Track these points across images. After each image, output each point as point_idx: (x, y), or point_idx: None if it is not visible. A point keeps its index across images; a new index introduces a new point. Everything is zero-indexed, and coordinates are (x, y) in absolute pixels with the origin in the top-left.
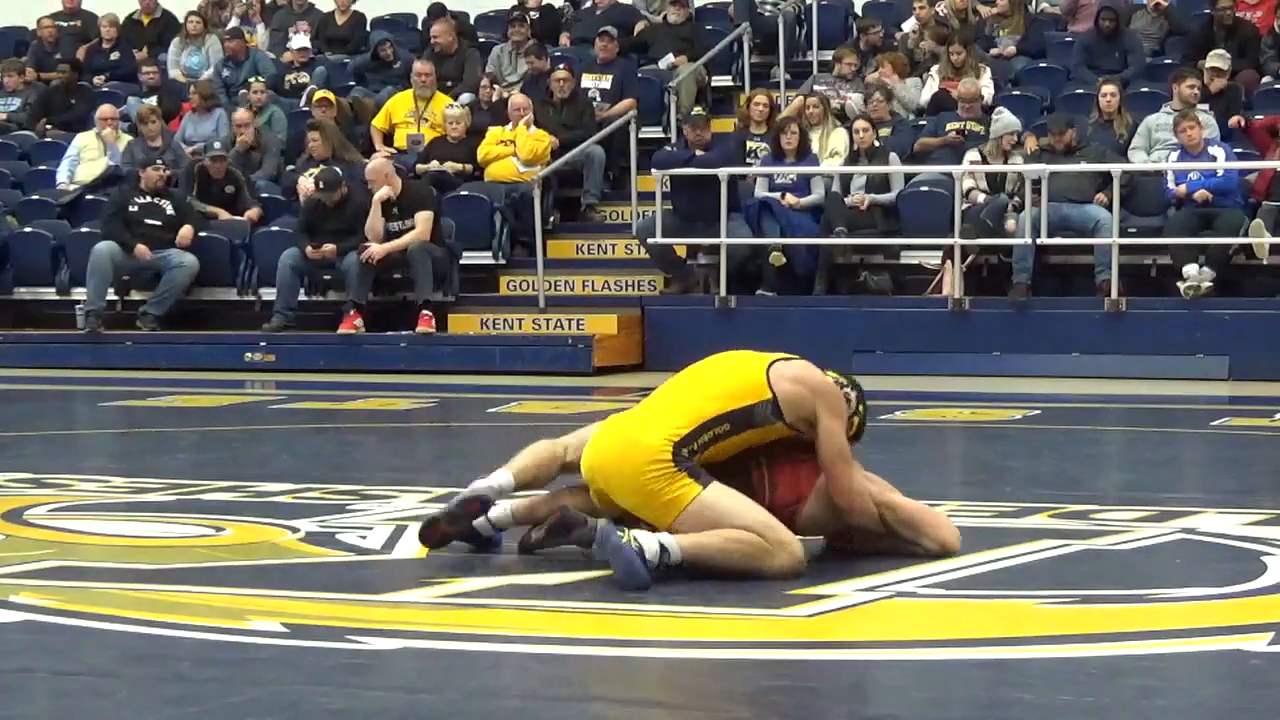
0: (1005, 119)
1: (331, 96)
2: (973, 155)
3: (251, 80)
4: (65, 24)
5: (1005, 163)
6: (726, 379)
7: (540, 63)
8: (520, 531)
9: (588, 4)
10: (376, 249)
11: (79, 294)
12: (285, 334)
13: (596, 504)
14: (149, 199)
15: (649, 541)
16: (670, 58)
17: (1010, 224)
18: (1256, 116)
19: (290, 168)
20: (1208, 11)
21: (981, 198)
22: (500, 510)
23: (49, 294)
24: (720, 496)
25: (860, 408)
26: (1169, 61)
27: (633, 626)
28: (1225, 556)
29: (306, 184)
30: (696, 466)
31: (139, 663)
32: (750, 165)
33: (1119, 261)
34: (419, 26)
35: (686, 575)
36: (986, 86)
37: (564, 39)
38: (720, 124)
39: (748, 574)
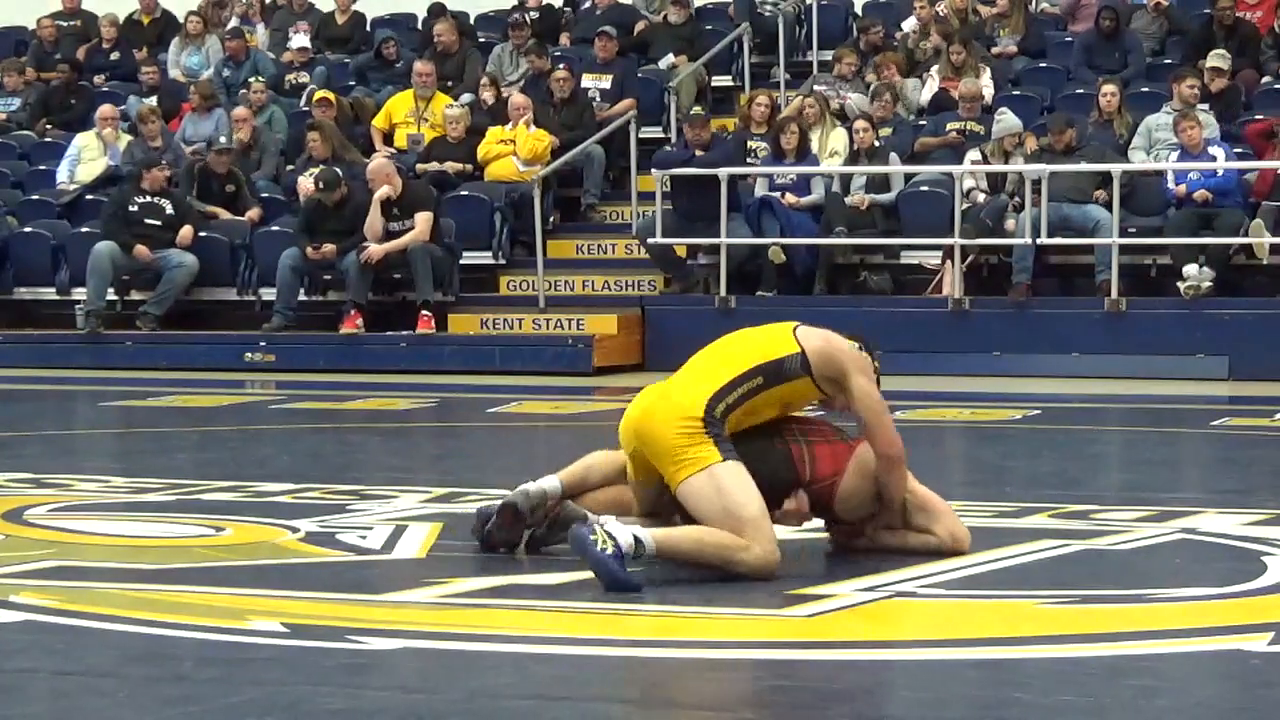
0: (1008, 120)
1: (332, 96)
2: (974, 155)
3: (251, 80)
4: (65, 24)
5: (1006, 163)
6: (755, 339)
7: (541, 62)
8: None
9: (587, 4)
10: (376, 249)
11: (79, 294)
12: (285, 334)
13: (631, 478)
14: (149, 199)
15: (623, 535)
16: (670, 57)
17: (1010, 224)
18: (1256, 116)
19: (290, 168)
20: (1208, 11)
21: (981, 198)
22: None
23: (49, 294)
24: (731, 475)
25: (878, 373)
26: (1169, 61)
27: (633, 626)
28: (1225, 556)
29: (306, 184)
30: (725, 437)
31: (139, 663)
32: (750, 165)
33: (1119, 261)
34: (419, 26)
35: (688, 576)
36: (987, 86)
37: (564, 39)
38: (720, 124)
39: (720, 569)
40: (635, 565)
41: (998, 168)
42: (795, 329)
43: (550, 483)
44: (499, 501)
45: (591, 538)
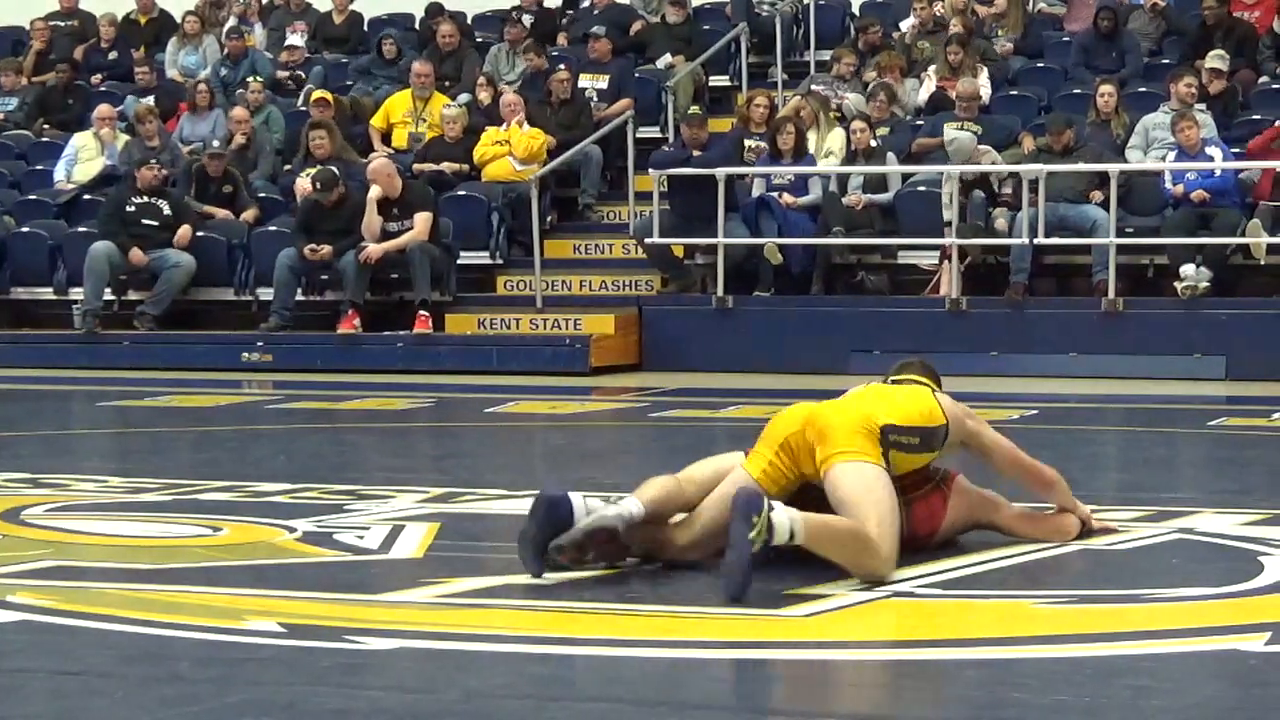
0: (960, 143)
1: (330, 96)
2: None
3: (249, 80)
4: (63, 24)
5: (983, 174)
6: (912, 400)
7: (539, 61)
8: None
9: (586, 3)
10: (374, 249)
11: (76, 294)
12: (282, 334)
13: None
14: (146, 199)
15: (782, 527)
16: (668, 57)
17: (1000, 222)
18: (1253, 117)
19: (287, 168)
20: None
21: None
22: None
23: (46, 294)
24: (884, 480)
25: None
26: (1166, 61)
27: (630, 626)
28: (1222, 556)
29: (304, 184)
30: (886, 455)
31: (136, 663)
32: (747, 165)
33: (1116, 261)
34: (416, 26)
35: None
36: (984, 86)
37: (561, 38)
38: (718, 124)
39: (846, 561)
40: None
41: (989, 167)
42: (935, 394)
43: (635, 507)
44: (586, 516)
45: (755, 519)
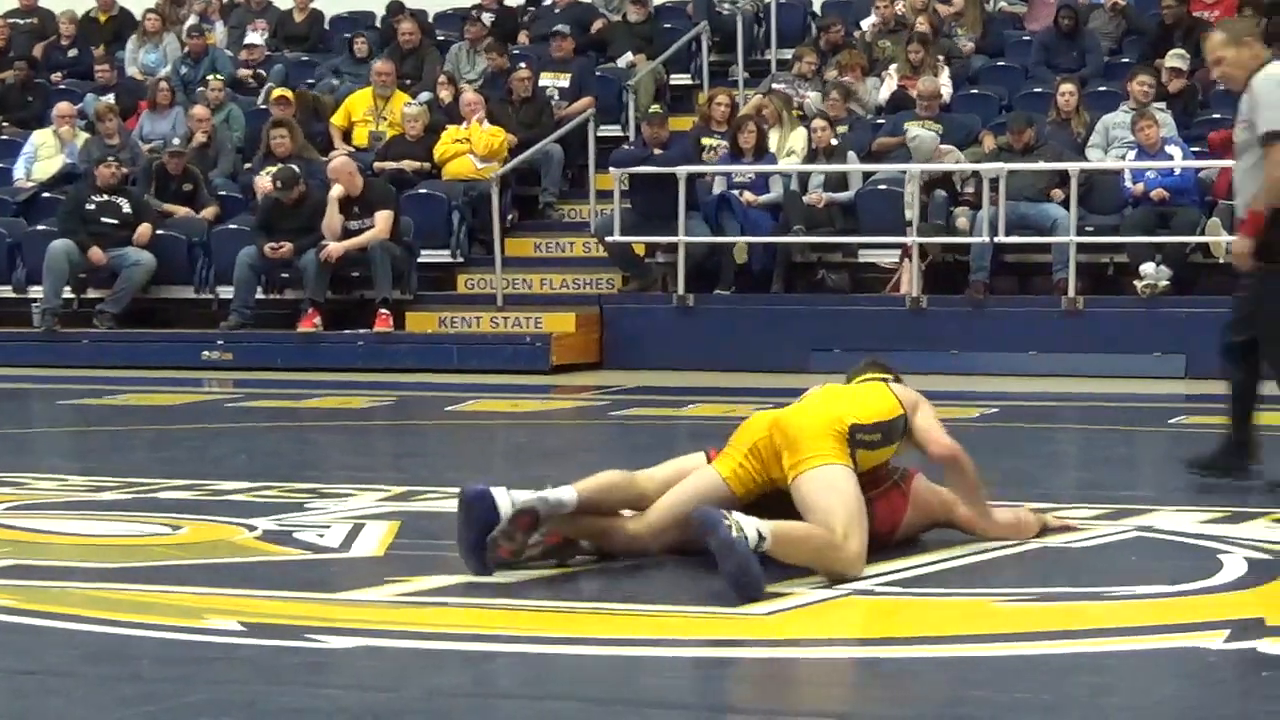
0: (921, 140)
1: (290, 94)
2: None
3: (210, 78)
4: (22, 21)
5: (944, 173)
6: (871, 396)
7: (501, 60)
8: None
9: (547, 2)
10: (335, 247)
11: (35, 292)
12: (243, 332)
13: (671, 505)
14: (106, 197)
15: (750, 528)
16: (629, 56)
17: (961, 221)
18: (1213, 116)
19: (247, 166)
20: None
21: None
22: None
23: (5, 292)
24: (852, 480)
25: None
26: (1127, 61)
27: (591, 625)
28: (1181, 554)
29: (264, 182)
30: (853, 456)
31: (96, 662)
32: (706, 163)
33: (1076, 260)
34: (377, 24)
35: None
36: (945, 85)
37: (523, 37)
38: (679, 122)
39: (815, 562)
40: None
41: (949, 166)
42: (890, 385)
43: (568, 494)
44: (510, 506)
45: (725, 523)
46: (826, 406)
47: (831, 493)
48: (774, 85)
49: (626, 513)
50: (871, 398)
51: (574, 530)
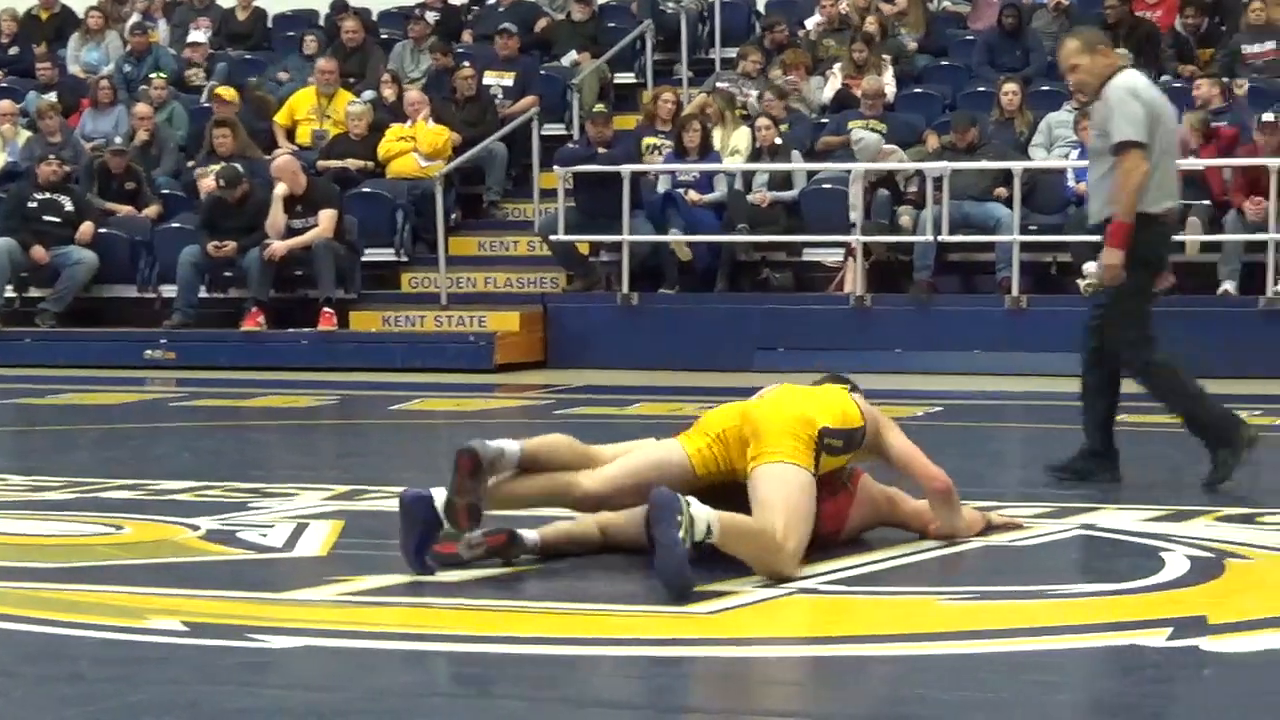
0: (867, 142)
1: (231, 93)
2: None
3: (152, 76)
4: None
5: (888, 172)
6: (835, 402)
7: (445, 59)
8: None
9: (491, 0)
10: (278, 246)
11: None
12: (186, 331)
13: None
14: (48, 195)
15: (701, 524)
16: (573, 55)
17: (905, 220)
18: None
19: (190, 164)
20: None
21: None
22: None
23: None
24: (799, 483)
25: None
26: None
27: (535, 624)
28: (1124, 552)
29: (208, 181)
30: (816, 459)
31: (36, 662)
32: (649, 162)
33: (1020, 259)
34: (321, 23)
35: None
36: (889, 84)
37: (466, 36)
38: (623, 121)
39: (754, 559)
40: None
41: (893, 165)
42: (851, 394)
43: (510, 446)
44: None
45: (678, 518)
46: (798, 406)
47: (782, 490)
48: (718, 84)
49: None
50: (837, 403)
51: (524, 491)
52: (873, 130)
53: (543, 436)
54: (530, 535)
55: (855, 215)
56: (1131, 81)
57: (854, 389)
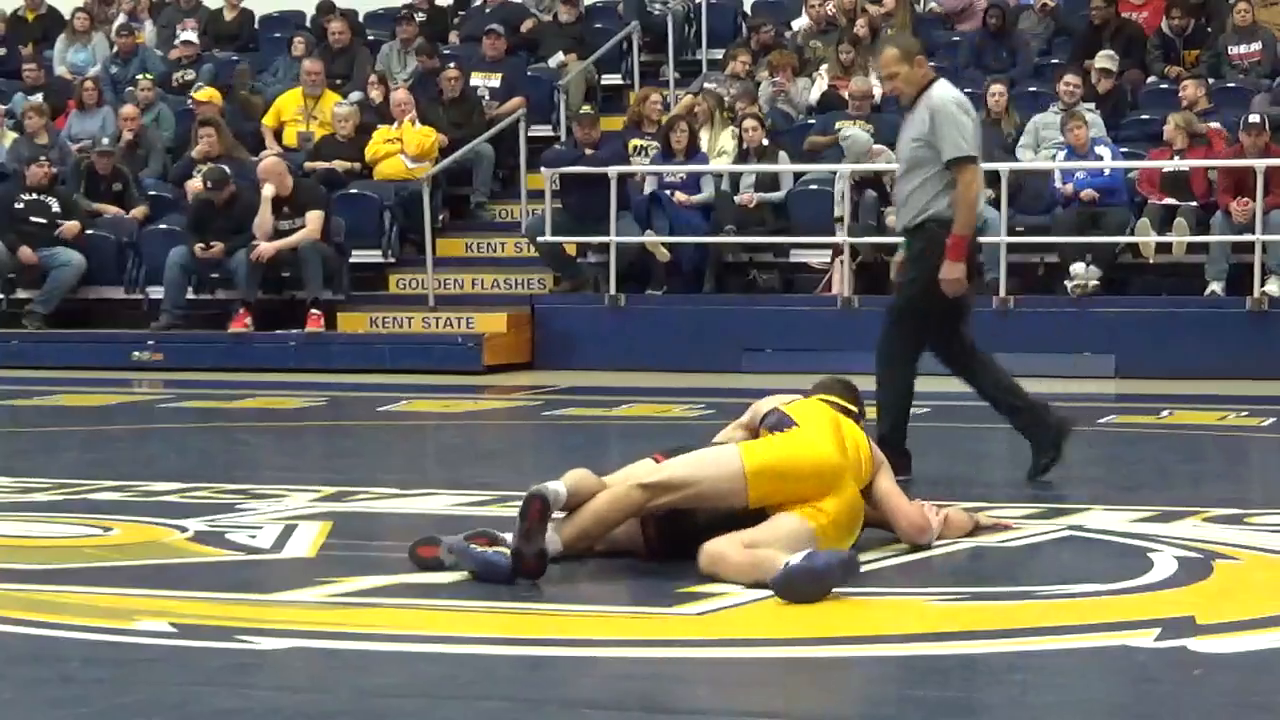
0: (855, 139)
1: (215, 95)
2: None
3: (139, 77)
4: None
5: (876, 173)
6: (861, 464)
7: (431, 61)
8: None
9: (478, 2)
10: (266, 247)
11: None
12: (173, 333)
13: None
14: (35, 196)
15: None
16: (560, 56)
17: (891, 220)
18: (1141, 116)
19: (177, 165)
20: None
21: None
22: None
23: None
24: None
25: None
26: (1056, 61)
27: (523, 626)
28: (1112, 553)
29: (195, 182)
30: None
31: (25, 664)
32: (636, 164)
33: (1007, 260)
34: (307, 24)
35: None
36: (876, 85)
37: (453, 37)
38: (610, 122)
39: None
40: None
41: (880, 166)
42: (872, 445)
43: (556, 485)
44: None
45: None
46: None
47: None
48: (705, 85)
49: None
50: (861, 463)
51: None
52: (861, 129)
53: (568, 474)
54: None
55: (841, 210)
56: (954, 94)
57: (858, 414)
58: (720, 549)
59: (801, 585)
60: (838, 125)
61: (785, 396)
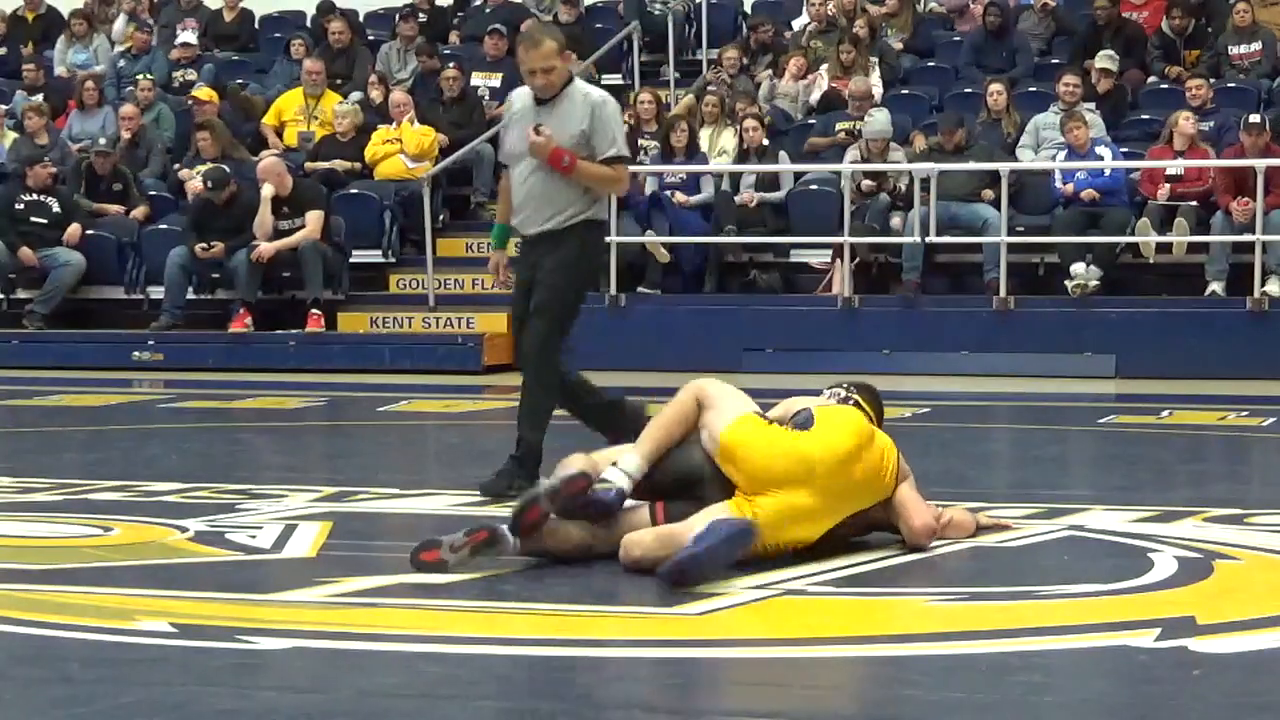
0: (876, 122)
1: (213, 95)
2: (852, 154)
3: (139, 77)
4: None
5: (884, 161)
6: (881, 476)
7: (431, 61)
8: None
9: (478, 2)
10: (266, 247)
11: None
12: (173, 333)
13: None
14: (35, 196)
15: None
16: None
17: (896, 221)
18: (1142, 116)
19: (177, 166)
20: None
21: (866, 183)
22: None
23: None
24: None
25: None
26: (1056, 61)
27: (524, 626)
28: (1112, 553)
29: (195, 183)
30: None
31: (25, 664)
32: (637, 164)
33: (1007, 260)
34: (308, 24)
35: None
36: (876, 85)
37: (453, 37)
38: None
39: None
40: None
41: (881, 166)
42: (899, 463)
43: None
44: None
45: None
46: (806, 524)
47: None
48: (709, 85)
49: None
50: (883, 474)
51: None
52: (861, 129)
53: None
54: (511, 536)
55: (848, 209)
56: (602, 92)
57: (878, 416)
58: (638, 535)
59: (693, 571)
60: (838, 128)
61: (821, 399)
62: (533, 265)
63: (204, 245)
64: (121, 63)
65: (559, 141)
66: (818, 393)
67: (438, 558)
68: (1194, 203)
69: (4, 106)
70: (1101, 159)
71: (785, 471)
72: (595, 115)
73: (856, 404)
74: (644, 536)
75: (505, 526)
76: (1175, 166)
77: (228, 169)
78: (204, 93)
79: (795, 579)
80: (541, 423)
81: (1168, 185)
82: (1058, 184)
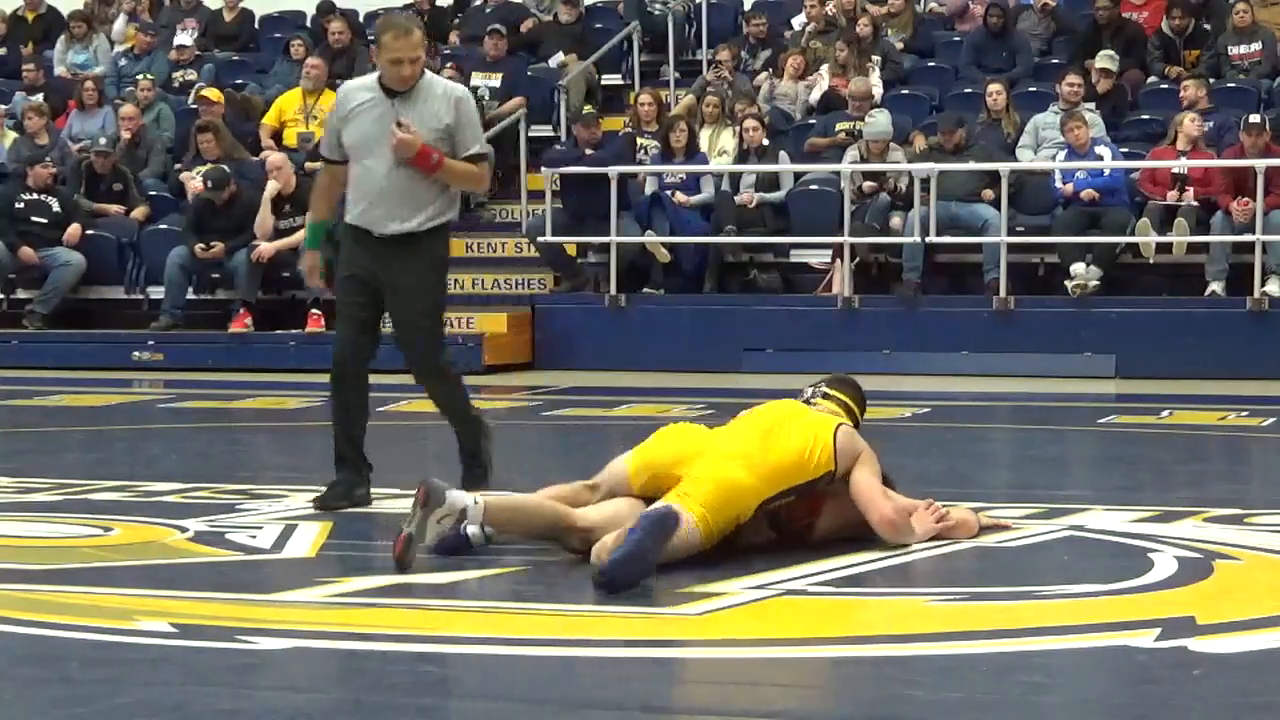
0: (877, 124)
1: (217, 94)
2: (852, 154)
3: (139, 77)
4: None
5: (884, 161)
6: (802, 445)
7: (431, 60)
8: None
9: (477, 2)
10: (266, 247)
11: None
12: (173, 333)
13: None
14: (35, 196)
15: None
16: (560, 56)
17: (895, 221)
18: (1142, 116)
19: (177, 166)
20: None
21: (866, 183)
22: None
23: None
24: (680, 536)
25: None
26: (1056, 61)
27: (523, 626)
28: (1112, 553)
29: (195, 183)
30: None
31: (26, 664)
32: (640, 164)
33: (1007, 260)
34: (307, 24)
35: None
36: (876, 85)
37: (453, 37)
38: (610, 123)
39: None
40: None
41: (881, 166)
42: (836, 436)
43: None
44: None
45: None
46: (746, 469)
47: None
48: (709, 85)
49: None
50: (804, 451)
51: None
52: (862, 130)
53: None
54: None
55: (846, 191)
56: (461, 86)
57: (853, 410)
58: (606, 539)
59: (623, 574)
60: (838, 128)
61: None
62: (383, 267)
63: (204, 245)
64: (122, 63)
65: (415, 137)
66: None
67: (404, 537)
68: (1195, 203)
69: (4, 106)
70: (1101, 159)
71: (685, 440)
72: (459, 110)
73: (827, 395)
74: (607, 540)
75: (455, 490)
76: (1176, 167)
77: (228, 169)
78: (212, 93)
79: (795, 579)
80: (470, 414)
81: (1181, 188)
82: (1058, 184)
